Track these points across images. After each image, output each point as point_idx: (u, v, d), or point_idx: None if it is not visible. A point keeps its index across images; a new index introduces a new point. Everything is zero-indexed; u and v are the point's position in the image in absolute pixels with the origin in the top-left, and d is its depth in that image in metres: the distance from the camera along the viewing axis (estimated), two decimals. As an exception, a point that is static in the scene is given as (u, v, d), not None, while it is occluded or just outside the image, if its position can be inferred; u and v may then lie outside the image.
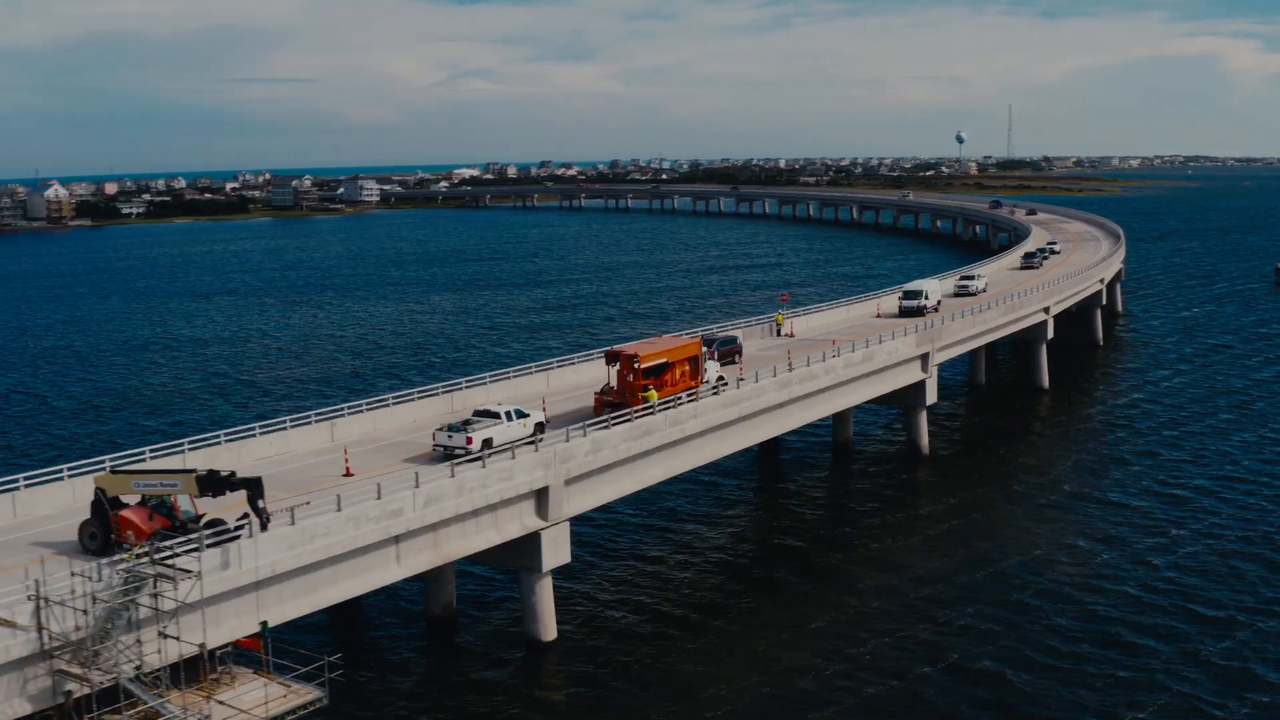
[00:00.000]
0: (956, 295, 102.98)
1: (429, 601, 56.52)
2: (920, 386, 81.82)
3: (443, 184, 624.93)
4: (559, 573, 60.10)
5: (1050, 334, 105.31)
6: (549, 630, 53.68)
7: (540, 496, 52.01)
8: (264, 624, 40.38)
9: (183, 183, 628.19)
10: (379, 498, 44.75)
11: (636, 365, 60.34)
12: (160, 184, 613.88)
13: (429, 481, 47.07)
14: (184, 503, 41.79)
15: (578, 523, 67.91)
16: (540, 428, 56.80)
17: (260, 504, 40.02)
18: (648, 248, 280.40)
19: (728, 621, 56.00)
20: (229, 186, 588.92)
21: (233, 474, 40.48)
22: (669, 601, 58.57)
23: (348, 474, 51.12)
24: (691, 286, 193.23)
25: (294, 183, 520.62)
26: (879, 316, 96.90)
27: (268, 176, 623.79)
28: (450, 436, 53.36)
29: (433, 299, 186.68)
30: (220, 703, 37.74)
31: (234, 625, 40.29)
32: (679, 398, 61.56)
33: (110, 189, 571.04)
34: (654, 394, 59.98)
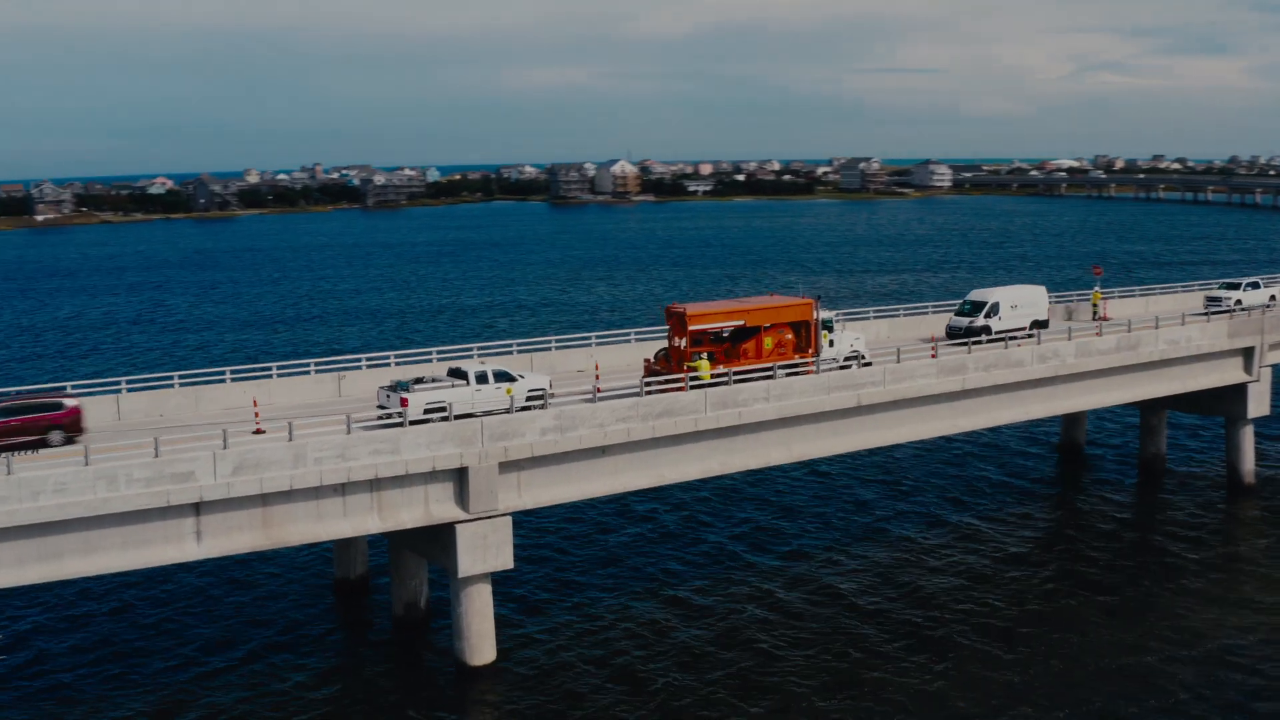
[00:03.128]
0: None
1: (393, 599, 46.90)
2: (1240, 392, 58.18)
3: (1034, 173, 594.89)
4: (527, 584, 49.93)
5: None
6: (480, 653, 42.08)
7: (460, 480, 40.50)
8: (-44, 591, 33.63)
9: (777, 165, 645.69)
10: (156, 455, 36.07)
11: (685, 327, 46.22)
12: (752, 165, 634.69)
13: (247, 444, 37.62)
14: None
15: (564, 519, 58.33)
16: (538, 396, 44.49)
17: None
18: (1136, 238, 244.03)
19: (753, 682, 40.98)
20: (820, 170, 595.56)
21: None
22: (694, 640, 44.38)
23: (258, 431, 42.48)
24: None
25: (861, 165, 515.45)
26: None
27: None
28: (388, 397, 42.92)
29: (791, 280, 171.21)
30: None
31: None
32: (769, 371, 46.63)
33: (705, 169, 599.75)
34: (705, 365, 45.60)
